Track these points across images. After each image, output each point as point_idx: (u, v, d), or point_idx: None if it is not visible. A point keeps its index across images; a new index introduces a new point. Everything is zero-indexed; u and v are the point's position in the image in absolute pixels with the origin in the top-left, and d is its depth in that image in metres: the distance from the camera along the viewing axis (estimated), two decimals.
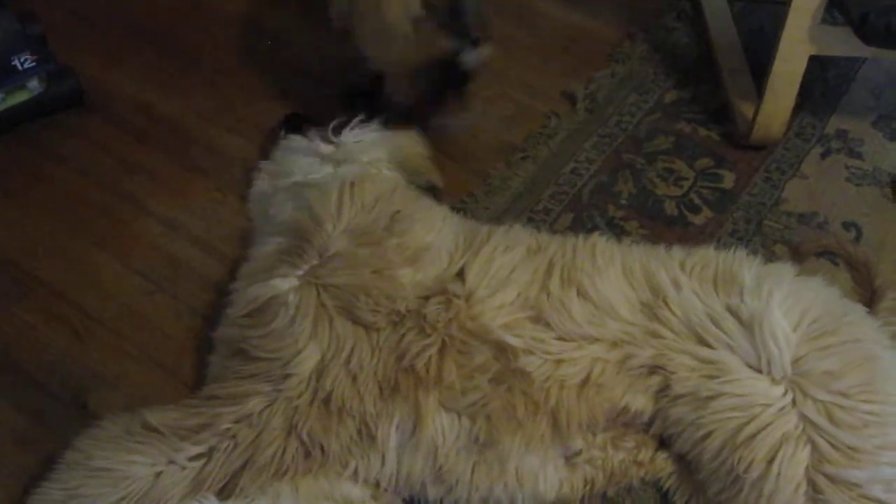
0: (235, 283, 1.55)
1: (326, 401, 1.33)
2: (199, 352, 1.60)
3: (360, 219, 1.51)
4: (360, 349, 1.36)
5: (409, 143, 1.78)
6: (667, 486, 1.40)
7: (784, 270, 1.42)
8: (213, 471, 1.29)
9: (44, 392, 1.55)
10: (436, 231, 1.50)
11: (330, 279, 1.41)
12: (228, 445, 1.31)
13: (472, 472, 1.34)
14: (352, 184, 1.56)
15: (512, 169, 1.95)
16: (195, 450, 1.31)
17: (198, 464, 1.30)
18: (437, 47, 1.73)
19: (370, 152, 1.73)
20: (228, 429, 1.32)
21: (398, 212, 1.52)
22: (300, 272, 1.43)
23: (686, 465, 1.37)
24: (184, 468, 1.30)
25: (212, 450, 1.31)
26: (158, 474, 1.29)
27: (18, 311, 1.68)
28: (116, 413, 1.47)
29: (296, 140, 1.79)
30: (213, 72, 2.19)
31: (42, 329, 1.65)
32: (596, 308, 1.38)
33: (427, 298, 1.40)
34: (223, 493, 1.30)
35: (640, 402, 1.36)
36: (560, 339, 1.36)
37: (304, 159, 1.74)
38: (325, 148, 1.73)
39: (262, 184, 1.79)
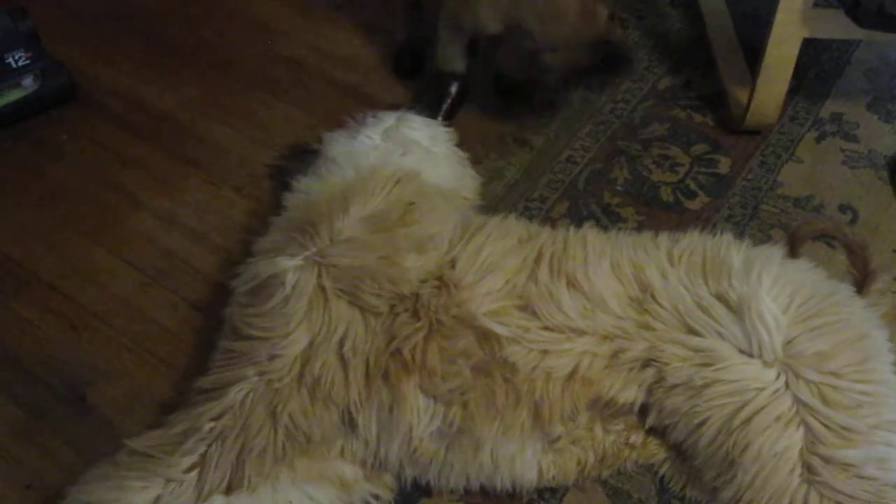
0: (249, 260, 1.53)
1: (312, 387, 1.32)
2: (195, 343, 1.60)
3: (378, 208, 1.51)
4: (355, 333, 1.34)
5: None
6: (662, 472, 1.41)
7: (772, 253, 1.41)
8: (211, 474, 1.27)
9: (42, 386, 1.56)
10: (444, 221, 1.50)
11: (335, 259, 1.40)
12: (217, 445, 1.29)
13: (446, 454, 1.34)
14: (398, 180, 1.54)
15: (507, 157, 1.95)
16: (186, 461, 1.29)
17: (194, 473, 1.28)
18: (600, 25, 1.80)
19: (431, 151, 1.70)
20: (212, 427, 1.30)
21: (412, 203, 1.52)
22: (308, 252, 1.42)
23: (681, 452, 1.37)
24: (181, 483, 1.28)
25: (203, 456, 1.29)
26: (157, 497, 1.26)
27: (15, 305, 1.69)
28: (112, 405, 1.50)
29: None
30: (206, 65, 2.19)
31: (39, 323, 1.65)
32: (587, 300, 1.36)
33: (425, 282, 1.39)
34: (230, 488, 1.28)
35: (630, 395, 1.35)
36: (547, 328, 1.34)
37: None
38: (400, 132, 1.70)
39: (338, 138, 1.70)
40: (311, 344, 1.34)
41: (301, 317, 1.35)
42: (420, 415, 1.33)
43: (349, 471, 1.35)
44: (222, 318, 1.50)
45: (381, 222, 1.46)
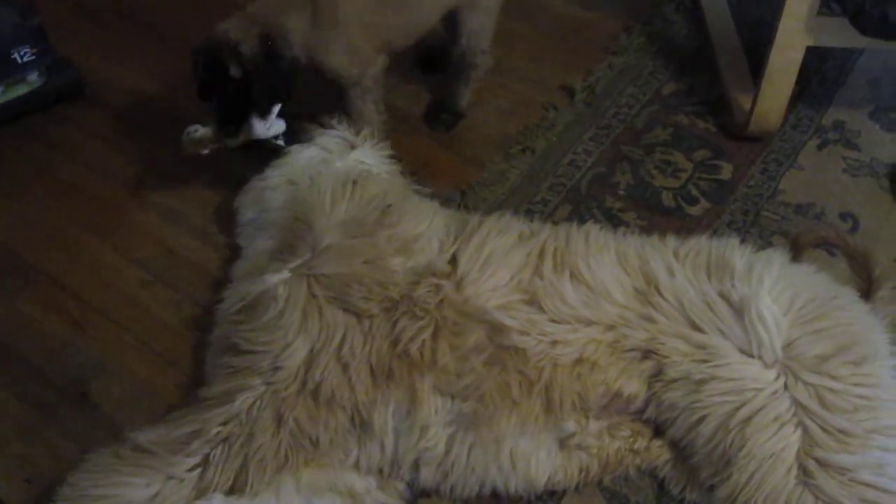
0: (231, 283, 1.56)
1: (315, 391, 1.33)
2: (197, 341, 1.61)
3: (354, 213, 1.52)
4: (352, 337, 1.36)
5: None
6: (662, 474, 1.41)
7: (775, 256, 1.42)
8: (215, 476, 1.29)
9: (45, 382, 1.57)
10: (426, 223, 1.51)
11: (321, 269, 1.42)
12: (223, 449, 1.30)
13: (469, 454, 1.34)
14: (354, 182, 1.57)
15: (510, 161, 1.96)
16: (190, 461, 1.30)
17: (196, 472, 1.30)
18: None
19: (367, 152, 1.75)
20: (219, 432, 1.32)
21: (389, 206, 1.54)
22: (292, 266, 1.45)
23: (680, 451, 1.38)
24: (182, 480, 1.29)
25: (206, 457, 1.31)
26: (157, 493, 1.27)
27: (20, 301, 1.69)
28: (115, 402, 1.51)
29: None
30: None
31: (43, 319, 1.66)
32: (591, 291, 1.39)
33: (417, 283, 1.41)
34: (232, 491, 1.29)
35: (634, 387, 1.36)
36: (553, 321, 1.37)
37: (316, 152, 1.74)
38: (335, 144, 1.75)
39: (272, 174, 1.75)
40: (311, 351, 1.36)
41: (298, 327, 1.38)
42: (437, 413, 1.34)
43: (360, 483, 1.36)
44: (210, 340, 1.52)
45: (360, 227, 1.48)
